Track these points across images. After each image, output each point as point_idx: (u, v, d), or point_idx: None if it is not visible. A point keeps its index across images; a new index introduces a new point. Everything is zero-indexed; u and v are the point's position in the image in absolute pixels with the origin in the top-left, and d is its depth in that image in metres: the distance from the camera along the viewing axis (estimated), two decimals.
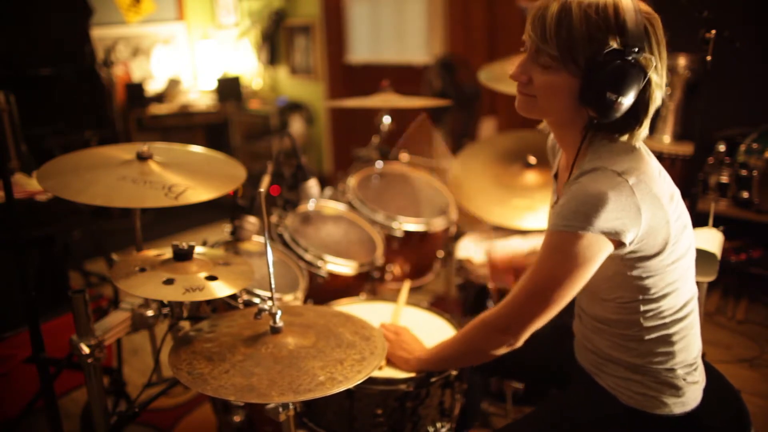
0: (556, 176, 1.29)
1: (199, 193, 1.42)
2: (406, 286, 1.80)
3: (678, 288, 1.11)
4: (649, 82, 1.01)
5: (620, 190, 1.00)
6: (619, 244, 1.03)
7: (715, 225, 1.59)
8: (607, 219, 1.00)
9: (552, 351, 1.41)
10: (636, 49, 0.98)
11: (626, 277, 1.09)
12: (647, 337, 1.13)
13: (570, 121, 1.10)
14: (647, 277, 1.08)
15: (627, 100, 1.00)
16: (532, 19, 1.05)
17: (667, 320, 1.12)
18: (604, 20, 0.99)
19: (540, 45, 1.03)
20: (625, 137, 1.07)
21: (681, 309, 1.13)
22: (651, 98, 1.04)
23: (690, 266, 1.14)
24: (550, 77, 1.05)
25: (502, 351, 1.18)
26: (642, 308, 1.11)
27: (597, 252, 1.03)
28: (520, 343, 1.16)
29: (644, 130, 1.08)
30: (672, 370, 1.14)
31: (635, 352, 1.15)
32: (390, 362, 1.39)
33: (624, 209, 1.00)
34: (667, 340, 1.13)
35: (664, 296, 1.10)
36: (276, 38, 5.31)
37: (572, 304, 1.13)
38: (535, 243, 2.18)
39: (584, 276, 1.05)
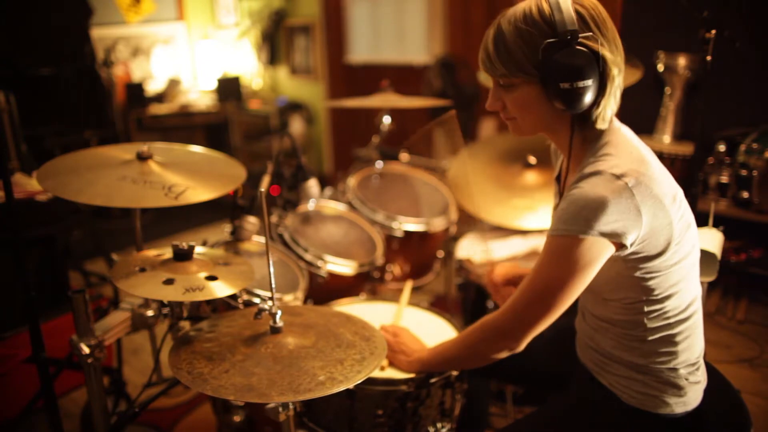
0: (558, 179, 1.29)
1: (199, 193, 1.42)
2: (408, 286, 1.80)
3: (682, 288, 1.11)
4: (604, 60, 1.02)
5: (620, 193, 1.00)
6: (620, 246, 1.03)
7: (715, 225, 1.59)
8: (607, 222, 1.00)
9: (553, 356, 1.41)
10: (569, 35, 1.00)
11: (630, 278, 1.09)
12: (651, 338, 1.13)
13: (556, 124, 1.12)
14: (651, 278, 1.08)
15: (586, 83, 1.01)
16: (480, 51, 1.10)
17: (671, 321, 1.12)
18: (533, 24, 1.03)
19: (490, 71, 1.09)
20: (599, 122, 1.08)
21: (685, 309, 1.13)
22: (608, 75, 1.04)
23: (694, 266, 1.14)
24: (515, 95, 1.10)
25: (504, 355, 1.18)
26: (646, 309, 1.11)
27: (598, 255, 1.03)
28: (521, 347, 1.16)
29: (608, 109, 1.07)
30: (674, 369, 1.14)
31: (638, 352, 1.15)
32: (391, 363, 1.39)
33: (624, 211, 1.00)
34: (671, 341, 1.13)
35: (668, 297, 1.10)
36: (276, 38, 5.31)
37: (574, 304, 1.13)
38: (535, 244, 2.18)
39: (585, 279, 1.06)
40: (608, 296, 1.15)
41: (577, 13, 1.02)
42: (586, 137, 1.11)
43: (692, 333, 1.15)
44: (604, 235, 1.00)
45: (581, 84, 1.01)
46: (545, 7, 1.03)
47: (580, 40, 1.01)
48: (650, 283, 1.09)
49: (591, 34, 1.02)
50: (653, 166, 1.08)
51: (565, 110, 1.05)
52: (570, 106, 1.03)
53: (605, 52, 1.02)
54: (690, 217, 1.12)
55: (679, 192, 1.10)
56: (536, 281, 1.10)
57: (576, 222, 1.01)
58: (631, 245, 1.03)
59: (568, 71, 1.00)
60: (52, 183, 1.36)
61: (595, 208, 1.00)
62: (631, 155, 1.07)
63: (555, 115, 1.09)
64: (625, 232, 1.01)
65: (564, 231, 1.03)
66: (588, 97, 1.03)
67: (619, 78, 1.06)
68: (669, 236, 1.05)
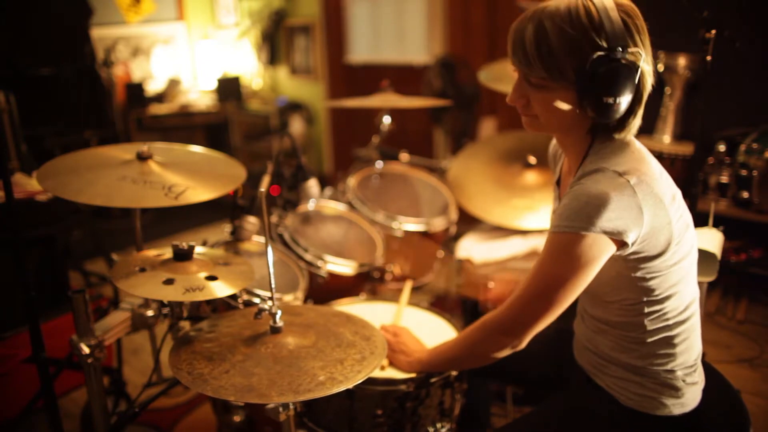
0: (558, 182, 1.29)
1: (199, 193, 1.42)
2: (408, 285, 1.80)
3: (681, 289, 1.11)
4: (641, 74, 1.02)
5: (622, 191, 1.00)
6: (621, 244, 1.03)
7: (715, 225, 1.59)
8: (609, 219, 1.00)
9: (550, 358, 1.41)
10: (620, 48, 0.98)
11: (630, 278, 1.09)
12: (650, 340, 1.13)
13: (574, 127, 1.10)
14: (651, 279, 1.08)
15: (625, 99, 1.01)
16: (512, 46, 1.06)
17: (670, 322, 1.12)
18: (581, 29, 0.99)
19: (526, 70, 1.05)
20: (623, 132, 1.08)
21: (684, 311, 1.13)
22: (644, 89, 1.04)
23: (693, 267, 1.14)
24: (545, 95, 1.06)
25: (505, 353, 1.18)
26: (646, 310, 1.11)
27: (599, 252, 1.03)
28: (522, 345, 1.16)
29: (638, 120, 1.08)
30: (672, 371, 1.14)
31: (637, 354, 1.15)
32: (391, 363, 1.39)
33: (626, 209, 1.00)
34: (670, 342, 1.13)
35: (668, 297, 1.10)
36: (276, 38, 5.31)
37: (573, 306, 1.13)
38: (535, 244, 2.18)
39: (587, 276, 1.05)
40: (608, 298, 1.15)
41: (625, 23, 0.99)
42: (603, 142, 1.09)
43: (690, 335, 1.15)
44: (606, 232, 1.00)
45: (621, 99, 1.00)
46: (594, 12, 0.99)
47: (628, 54, 0.99)
48: (650, 283, 1.08)
49: (636, 49, 1.00)
50: (653, 165, 1.08)
51: (597, 120, 1.04)
52: (605, 118, 1.02)
53: (644, 65, 1.01)
54: (688, 217, 1.12)
55: (678, 192, 1.10)
56: (538, 278, 1.09)
57: (578, 218, 1.01)
58: (633, 244, 1.03)
59: (613, 85, 0.98)
60: (52, 183, 1.36)
61: (598, 204, 1.00)
62: (632, 154, 1.07)
63: (579, 121, 1.07)
64: (626, 230, 1.01)
65: (566, 228, 1.03)
66: (622, 109, 1.02)
67: (650, 85, 1.05)
68: (669, 236, 1.05)
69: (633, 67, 0.99)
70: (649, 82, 1.04)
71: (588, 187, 1.02)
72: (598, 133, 1.09)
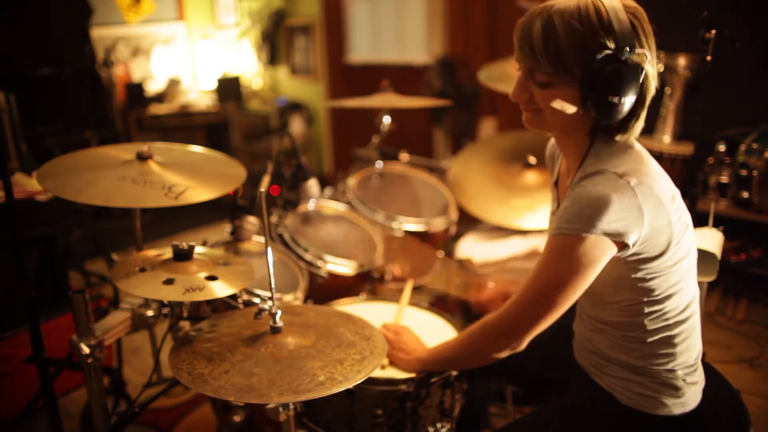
0: (556, 184, 1.29)
1: (199, 193, 1.42)
2: (409, 285, 1.80)
3: (681, 289, 1.11)
4: (645, 76, 1.02)
5: (622, 192, 1.00)
6: (622, 245, 1.03)
7: (715, 225, 1.59)
8: (609, 221, 1.00)
9: (550, 358, 1.41)
10: (627, 48, 0.99)
11: (630, 279, 1.09)
12: (650, 339, 1.13)
13: (575, 127, 1.10)
14: (651, 279, 1.08)
15: (629, 99, 1.01)
16: (519, 40, 1.05)
17: (670, 322, 1.12)
18: (590, 27, 0.99)
19: (533, 65, 1.04)
20: (625, 134, 1.08)
21: (684, 310, 1.13)
22: (647, 91, 1.04)
23: (692, 266, 1.14)
24: (550, 92, 1.05)
25: (505, 354, 1.18)
26: (646, 310, 1.11)
27: (600, 254, 1.03)
28: (522, 346, 1.16)
29: (641, 123, 1.08)
30: (672, 371, 1.14)
31: (637, 354, 1.15)
32: (392, 362, 1.39)
33: (626, 211, 1.00)
34: (670, 342, 1.13)
35: (668, 297, 1.10)
36: (276, 38, 5.31)
37: (573, 306, 1.13)
38: (535, 244, 2.18)
39: (588, 278, 1.05)
40: (608, 299, 1.15)
41: (633, 25, 1.00)
42: (604, 143, 1.09)
43: (691, 334, 1.15)
44: (606, 234, 1.00)
45: (625, 100, 1.00)
46: (603, 11, 0.99)
47: (635, 54, 0.99)
48: (650, 284, 1.08)
49: (642, 50, 1.00)
50: (652, 166, 1.08)
51: (600, 120, 1.04)
52: (608, 117, 1.02)
53: (649, 67, 1.02)
54: (687, 217, 1.12)
55: (677, 193, 1.10)
56: (538, 280, 1.09)
57: (578, 220, 1.01)
58: (633, 245, 1.03)
59: (617, 85, 0.99)
60: (52, 183, 1.36)
61: (598, 206, 1.00)
62: (631, 155, 1.08)
63: (581, 119, 1.07)
64: (627, 232, 1.01)
65: (566, 230, 1.03)
66: (625, 110, 1.02)
67: (653, 88, 1.06)
68: (669, 236, 1.05)
69: (638, 68, 1.00)
70: (653, 85, 1.04)
71: (588, 189, 1.02)
72: (600, 134, 1.09)
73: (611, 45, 0.99)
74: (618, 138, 1.08)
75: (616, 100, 0.99)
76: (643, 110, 1.06)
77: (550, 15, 1.01)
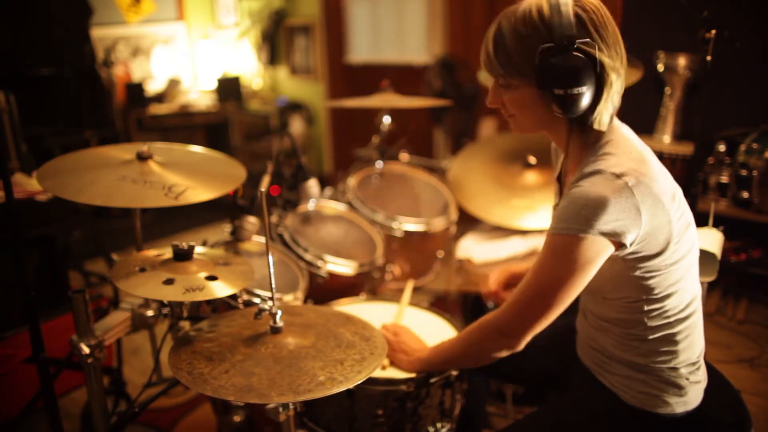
0: (558, 178, 1.29)
1: (199, 193, 1.42)
2: (410, 285, 1.80)
3: (682, 287, 1.12)
4: (602, 65, 1.02)
5: (620, 192, 1.01)
6: (619, 245, 1.03)
7: (715, 225, 1.59)
8: (607, 221, 1.00)
9: (552, 356, 1.41)
10: (566, 42, 1.00)
11: (630, 277, 1.09)
12: (651, 337, 1.13)
13: (555, 124, 1.12)
14: (650, 277, 1.08)
15: (581, 89, 1.01)
16: (481, 50, 1.11)
17: (671, 319, 1.12)
18: (532, 27, 1.02)
19: (491, 70, 1.10)
20: (596, 123, 1.07)
21: (685, 308, 1.13)
22: (606, 79, 1.04)
23: (693, 265, 1.15)
24: (513, 94, 1.10)
25: (504, 354, 1.18)
26: (646, 308, 1.11)
27: (597, 254, 1.03)
28: (521, 346, 1.17)
29: (605, 114, 1.07)
30: (675, 369, 1.14)
31: (639, 351, 1.15)
32: (392, 362, 1.39)
33: (624, 211, 1.00)
34: (671, 339, 1.13)
35: (668, 296, 1.10)
36: (276, 38, 5.31)
37: (575, 303, 1.13)
38: (535, 244, 2.18)
39: (585, 278, 1.06)
40: (608, 295, 1.15)
41: (577, 17, 1.01)
42: (585, 137, 1.11)
43: (692, 332, 1.15)
44: (603, 234, 1.01)
45: (576, 90, 1.01)
46: (545, 9, 1.02)
47: (577, 45, 1.00)
48: (650, 282, 1.09)
49: (589, 39, 1.01)
50: (653, 165, 1.08)
51: (561, 114, 1.05)
52: (565, 110, 1.04)
53: (604, 57, 1.02)
54: (689, 216, 1.12)
55: (678, 191, 1.10)
56: (536, 280, 1.10)
57: (576, 221, 1.01)
58: (631, 245, 1.03)
59: (563, 77, 1.01)
60: (52, 183, 1.36)
61: (596, 207, 1.00)
62: (630, 154, 1.07)
63: (553, 116, 1.09)
64: (624, 232, 1.01)
65: (564, 230, 1.03)
66: (583, 103, 1.03)
67: (618, 83, 1.06)
68: (668, 235, 1.05)
69: (585, 57, 1.00)
70: (613, 74, 1.04)
71: (586, 189, 1.02)
72: (577, 127, 1.10)
73: (552, 40, 1.01)
74: (594, 127, 1.08)
75: (561, 92, 1.01)
76: (604, 101, 1.05)
77: (499, 21, 1.08)
